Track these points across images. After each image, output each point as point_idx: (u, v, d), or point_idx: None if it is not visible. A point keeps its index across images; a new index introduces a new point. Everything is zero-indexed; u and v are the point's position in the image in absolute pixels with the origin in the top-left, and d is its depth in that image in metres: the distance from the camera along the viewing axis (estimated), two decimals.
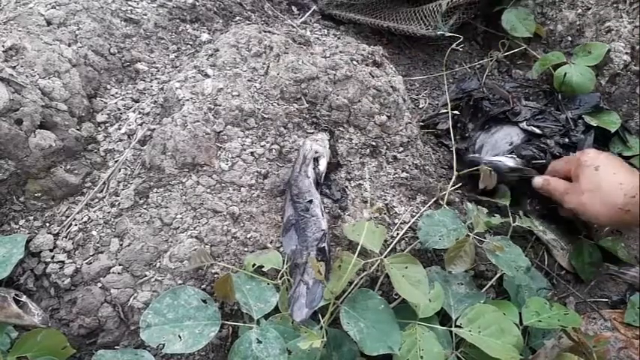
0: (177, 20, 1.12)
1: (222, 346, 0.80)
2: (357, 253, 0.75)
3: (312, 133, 0.94)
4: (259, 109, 0.91)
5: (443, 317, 0.82)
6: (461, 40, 1.19)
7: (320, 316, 0.74)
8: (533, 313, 0.83)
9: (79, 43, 0.96)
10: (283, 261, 0.80)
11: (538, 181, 0.99)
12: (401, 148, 1.01)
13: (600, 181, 0.87)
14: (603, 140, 1.11)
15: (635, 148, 1.08)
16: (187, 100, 0.90)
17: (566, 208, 0.94)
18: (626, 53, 1.13)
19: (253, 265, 0.79)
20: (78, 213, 0.86)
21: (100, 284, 0.79)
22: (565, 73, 1.15)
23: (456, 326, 0.78)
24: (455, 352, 0.77)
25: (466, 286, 0.85)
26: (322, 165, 0.87)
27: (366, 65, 1.03)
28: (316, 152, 0.87)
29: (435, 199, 0.96)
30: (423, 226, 0.88)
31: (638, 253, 1.06)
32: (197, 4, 1.16)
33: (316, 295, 0.74)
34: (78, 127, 0.90)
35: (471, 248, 0.83)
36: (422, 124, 1.20)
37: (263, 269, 0.79)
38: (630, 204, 0.83)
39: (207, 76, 0.94)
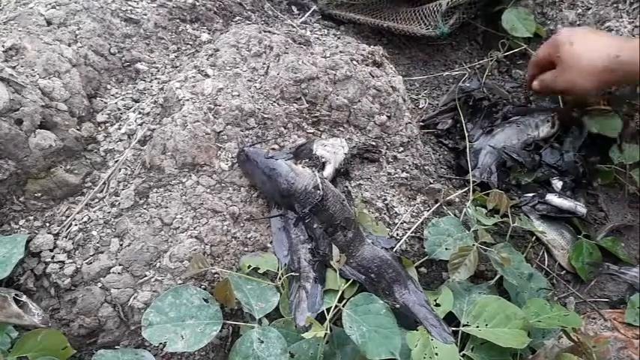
0: (177, 20, 1.12)
1: (222, 345, 0.80)
2: None
3: (312, 133, 0.94)
4: (259, 109, 0.91)
5: (451, 320, 0.81)
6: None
7: (325, 312, 0.74)
8: (533, 313, 0.83)
9: (79, 43, 0.96)
10: (278, 261, 0.81)
11: (535, 84, 1.03)
12: (401, 148, 1.01)
13: (580, 53, 0.90)
14: (603, 147, 1.11)
15: (635, 156, 1.07)
16: (187, 100, 0.90)
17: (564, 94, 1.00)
18: None
19: (249, 266, 0.79)
20: (78, 213, 0.86)
21: (100, 284, 0.79)
22: None
23: (464, 325, 0.78)
24: (463, 351, 0.77)
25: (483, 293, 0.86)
26: (327, 170, 0.86)
27: (366, 65, 1.03)
28: (322, 157, 0.86)
29: (438, 204, 0.96)
30: (430, 236, 0.88)
31: (639, 253, 1.06)
32: (197, 4, 1.16)
33: (317, 298, 0.75)
34: (78, 127, 0.90)
35: (475, 256, 0.83)
36: (422, 124, 1.20)
37: (260, 270, 0.79)
38: (614, 63, 0.86)
39: (207, 76, 0.94)
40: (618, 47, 0.87)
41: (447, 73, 1.36)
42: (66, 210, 0.87)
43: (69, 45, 0.94)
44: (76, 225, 0.85)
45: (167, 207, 0.84)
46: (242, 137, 0.89)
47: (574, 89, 0.94)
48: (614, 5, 1.19)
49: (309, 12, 1.39)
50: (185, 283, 0.79)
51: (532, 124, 1.12)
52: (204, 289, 0.78)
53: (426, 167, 1.04)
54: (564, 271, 1.03)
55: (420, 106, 1.27)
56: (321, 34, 1.31)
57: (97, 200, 0.88)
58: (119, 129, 0.95)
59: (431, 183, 1.01)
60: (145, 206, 0.85)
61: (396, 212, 0.93)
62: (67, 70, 0.90)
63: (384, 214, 0.92)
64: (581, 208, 1.04)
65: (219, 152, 0.87)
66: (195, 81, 0.93)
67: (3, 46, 0.85)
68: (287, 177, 0.81)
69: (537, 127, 1.12)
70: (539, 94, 1.04)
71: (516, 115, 1.16)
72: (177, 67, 1.06)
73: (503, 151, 1.10)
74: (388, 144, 1.00)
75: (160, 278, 0.80)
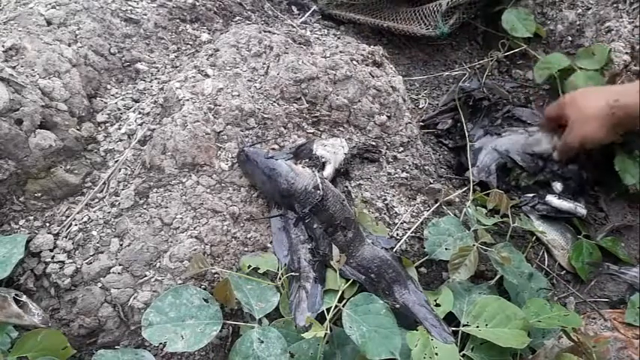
0: (177, 20, 1.12)
1: (222, 345, 0.80)
2: None
3: (312, 133, 0.94)
4: (259, 109, 0.91)
5: (451, 320, 0.81)
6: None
7: (325, 312, 0.74)
8: (533, 313, 0.83)
9: (79, 43, 0.96)
10: (278, 261, 0.81)
11: (555, 156, 1.08)
12: (401, 148, 1.01)
13: (583, 107, 0.97)
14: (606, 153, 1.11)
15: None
16: (187, 100, 0.90)
17: (581, 148, 1.02)
18: (626, 53, 1.13)
19: (249, 266, 0.79)
20: (78, 213, 0.86)
21: (100, 284, 0.79)
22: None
23: (464, 325, 0.78)
24: (463, 351, 0.77)
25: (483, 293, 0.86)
26: (327, 170, 0.86)
27: (366, 65, 1.03)
28: (322, 157, 0.86)
29: (438, 204, 0.96)
30: (430, 236, 0.88)
31: (639, 253, 1.06)
32: (197, 4, 1.16)
33: (316, 298, 0.75)
34: (78, 127, 0.90)
35: (475, 256, 0.83)
36: (422, 124, 1.21)
37: (260, 270, 0.79)
38: (615, 107, 0.93)
39: (207, 76, 0.94)
40: (617, 92, 0.95)
41: (447, 73, 1.36)
42: (66, 210, 0.87)
43: (69, 45, 0.94)
44: (76, 225, 0.85)
45: (167, 207, 0.84)
46: (242, 137, 0.89)
47: (587, 140, 0.98)
48: (614, 5, 1.19)
49: (309, 12, 1.39)
50: (185, 283, 0.79)
51: (543, 141, 1.11)
52: (204, 289, 0.78)
53: (426, 167, 1.04)
54: (564, 271, 1.03)
55: (420, 106, 1.27)
56: (321, 34, 1.31)
57: (97, 200, 0.88)
58: (119, 129, 0.95)
59: (431, 183, 1.01)
60: (145, 206, 0.85)
61: (396, 212, 0.93)
62: (67, 70, 0.90)
63: (384, 214, 0.92)
64: (581, 209, 1.04)
65: (219, 152, 0.87)
66: (195, 81, 0.93)
67: (3, 46, 0.86)
68: (287, 177, 0.81)
69: (549, 145, 1.10)
70: (563, 160, 1.08)
71: (522, 115, 1.15)
72: (177, 67, 1.06)
73: (506, 155, 1.10)
74: (388, 144, 1.00)
75: (160, 278, 0.80)
